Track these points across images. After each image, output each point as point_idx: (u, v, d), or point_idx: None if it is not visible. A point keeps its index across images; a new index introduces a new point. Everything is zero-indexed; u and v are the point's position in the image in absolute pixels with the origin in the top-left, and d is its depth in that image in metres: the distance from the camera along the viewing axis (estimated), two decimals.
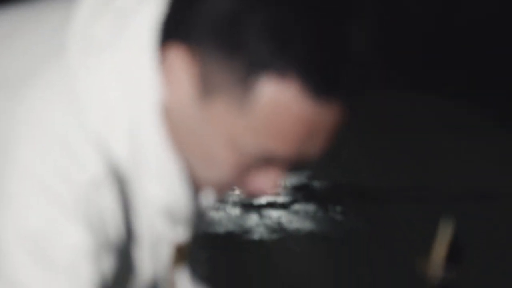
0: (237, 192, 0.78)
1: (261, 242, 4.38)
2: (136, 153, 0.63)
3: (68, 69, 0.62)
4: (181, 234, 0.71)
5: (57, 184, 0.60)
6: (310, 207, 4.81)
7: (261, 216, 4.74)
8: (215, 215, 4.93)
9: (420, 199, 4.55)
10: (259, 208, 4.87)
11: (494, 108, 5.94)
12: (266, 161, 0.63)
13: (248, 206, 4.98)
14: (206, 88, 0.60)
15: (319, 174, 5.27)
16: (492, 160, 5.03)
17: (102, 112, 0.62)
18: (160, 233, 0.68)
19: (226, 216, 4.93)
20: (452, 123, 5.90)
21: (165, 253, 0.73)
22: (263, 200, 4.86)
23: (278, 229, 4.51)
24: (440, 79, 6.80)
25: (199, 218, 0.74)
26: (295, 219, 4.65)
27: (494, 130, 5.71)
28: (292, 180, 5.18)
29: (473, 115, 6.04)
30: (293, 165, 0.67)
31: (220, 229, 4.60)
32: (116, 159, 0.62)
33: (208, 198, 0.77)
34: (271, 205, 4.87)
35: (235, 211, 4.86)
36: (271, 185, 0.68)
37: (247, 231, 4.50)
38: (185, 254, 0.76)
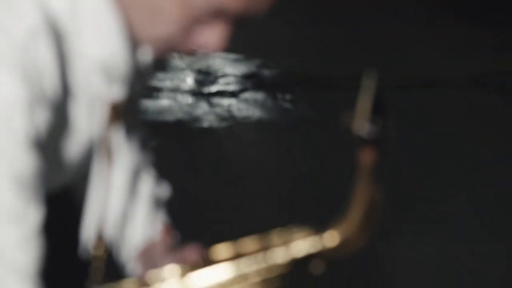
0: (177, 53, 0.76)
1: (210, 130, 4.41)
2: (74, 6, 0.61)
3: None
4: (117, 93, 0.69)
5: None
6: (260, 95, 4.83)
7: (210, 104, 4.76)
8: (165, 103, 5.01)
9: None
10: (208, 96, 4.91)
11: None
12: (214, 16, 0.62)
13: (198, 94, 5.02)
14: None
15: (269, 63, 5.29)
16: (441, 49, 5.10)
17: None
18: (96, 91, 0.67)
19: (176, 105, 4.98)
20: (403, 12, 5.91)
21: (101, 113, 0.73)
22: (213, 88, 5.03)
23: (228, 117, 4.53)
24: None
25: (136, 77, 0.73)
26: (244, 107, 4.68)
27: (445, 19, 5.75)
28: (241, 68, 5.23)
29: (424, 4, 6.06)
30: (240, 21, 0.66)
31: (170, 117, 4.60)
32: (54, 12, 0.60)
33: (147, 57, 0.76)
34: (221, 93, 4.92)
35: (185, 100, 4.90)
36: (218, 40, 0.67)
37: (196, 119, 4.51)
38: (120, 114, 0.76)
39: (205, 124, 4.44)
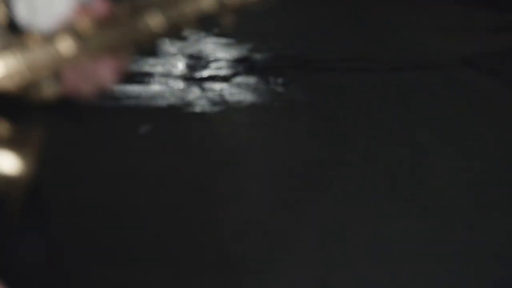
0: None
1: (203, 115, 4.38)
2: None
3: None
4: None
5: None
6: (252, 79, 4.80)
7: (203, 89, 4.74)
8: (157, 88, 4.98)
9: (361, 69, 4.64)
10: (200, 81, 4.87)
11: None
12: None
13: (189, 79, 4.98)
14: None
15: (261, 46, 5.27)
16: (432, 30, 5.10)
17: None
18: None
19: (168, 90, 4.97)
20: None
21: None
22: (204, 73, 5.01)
23: (220, 101, 4.50)
24: None
25: None
26: (236, 92, 4.65)
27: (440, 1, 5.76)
28: (233, 52, 5.20)
29: None
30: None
31: (162, 103, 4.59)
32: None
33: None
34: (213, 78, 4.89)
35: (177, 85, 4.92)
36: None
37: (188, 104, 4.49)
38: None
39: (197, 109, 4.42)
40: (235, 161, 3.53)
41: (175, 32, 0.59)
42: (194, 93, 4.71)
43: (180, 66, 5.27)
